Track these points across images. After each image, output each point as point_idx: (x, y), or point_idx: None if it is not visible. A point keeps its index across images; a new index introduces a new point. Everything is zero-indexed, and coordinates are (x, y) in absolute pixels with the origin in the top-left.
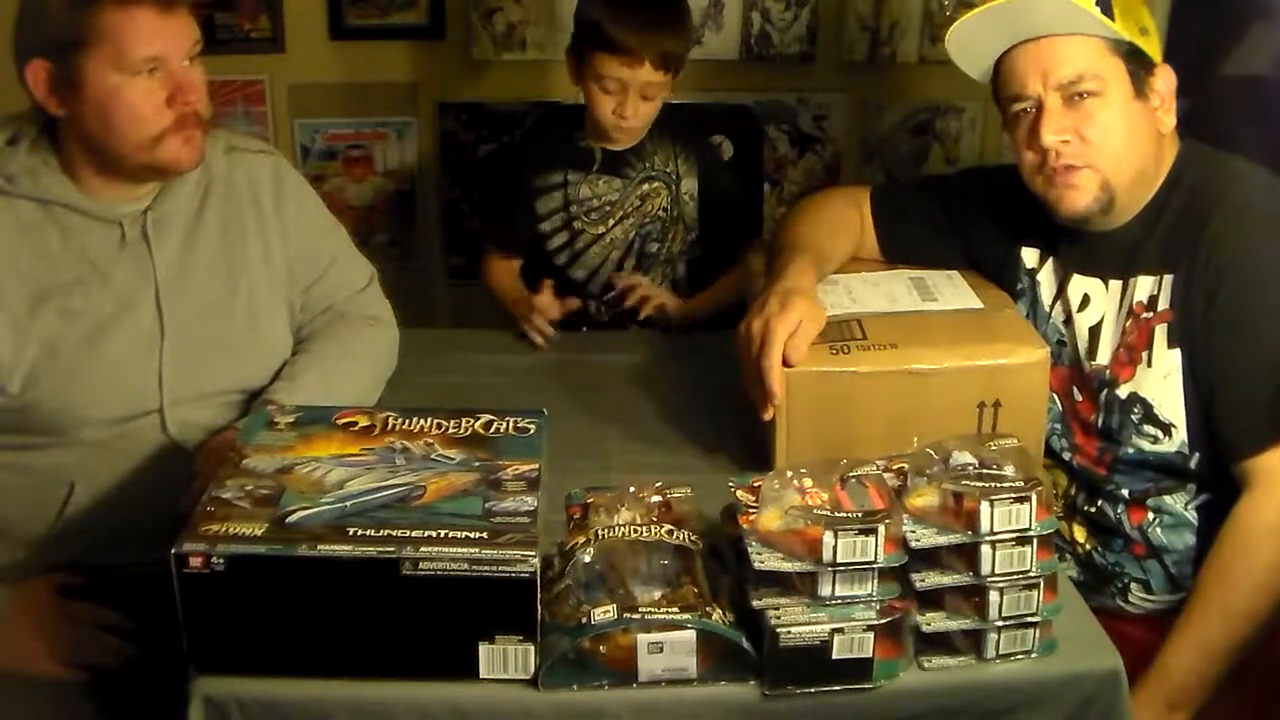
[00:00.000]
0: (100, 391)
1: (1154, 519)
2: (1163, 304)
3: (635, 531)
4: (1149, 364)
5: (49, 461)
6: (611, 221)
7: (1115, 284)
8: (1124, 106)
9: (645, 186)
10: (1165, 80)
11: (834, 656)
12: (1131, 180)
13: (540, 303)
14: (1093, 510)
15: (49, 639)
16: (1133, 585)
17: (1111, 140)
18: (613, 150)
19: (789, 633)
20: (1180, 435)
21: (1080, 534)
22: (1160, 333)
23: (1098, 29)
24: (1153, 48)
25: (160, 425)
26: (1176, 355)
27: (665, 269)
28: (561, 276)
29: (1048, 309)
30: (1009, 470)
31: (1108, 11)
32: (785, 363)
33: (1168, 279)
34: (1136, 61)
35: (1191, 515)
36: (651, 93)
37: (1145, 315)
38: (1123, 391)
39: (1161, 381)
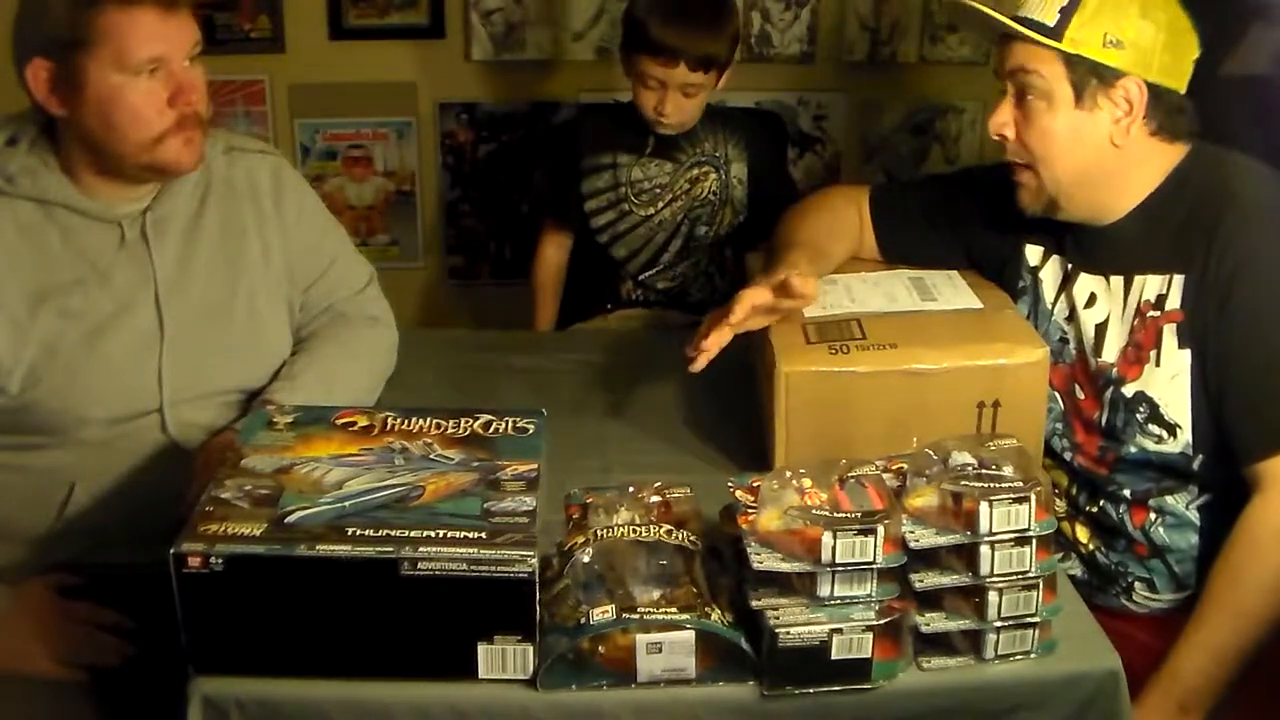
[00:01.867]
0: (100, 391)
1: (1156, 519)
2: (1172, 304)
3: (634, 531)
4: (1157, 364)
5: (49, 461)
6: (661, 204)
7: (1117, 280)
8: (1065, 114)
9: (695, 170)
10: (1134, 92)
11: (833, 657)
12: (1074, 185)
13: None
14: (1095, 510)
15: (49, 639)
16: (1137, 584)
17: (1045, 145)
18: (664, 135)
19: (788, 633)
20: (1185, 436)
21: (1083, 534)
22: (1169, 333)
23: (1043, 41)
24: (1126, 59)
25: (160, 425)
26: (1186, 356)
27: (713, 252)
28: (603, 255)
29: (1050, 306)
30: (1008, 470)
31: (1065, 20)
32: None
33: (1178, 279)
34: (1087, 71)
35: (1194, 515)
36: (692, 91)
37: (1152, 314)
38: (1129, 390)
39: (1169, 382)
